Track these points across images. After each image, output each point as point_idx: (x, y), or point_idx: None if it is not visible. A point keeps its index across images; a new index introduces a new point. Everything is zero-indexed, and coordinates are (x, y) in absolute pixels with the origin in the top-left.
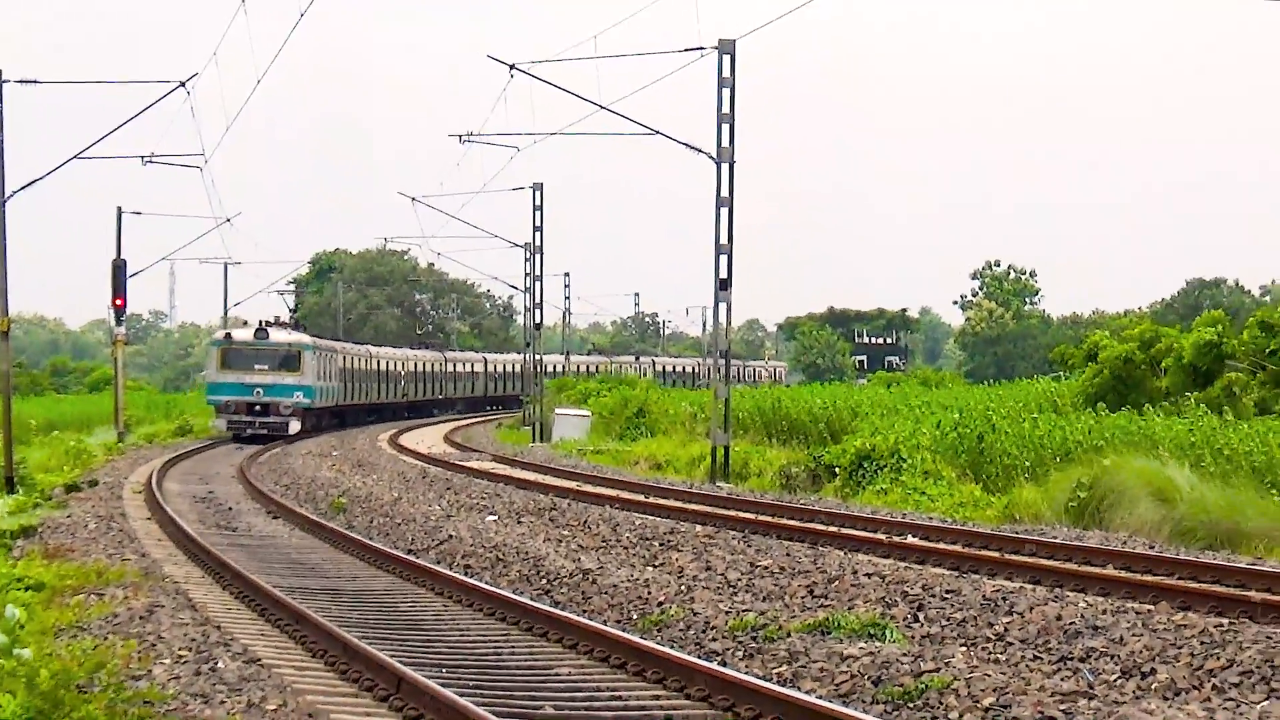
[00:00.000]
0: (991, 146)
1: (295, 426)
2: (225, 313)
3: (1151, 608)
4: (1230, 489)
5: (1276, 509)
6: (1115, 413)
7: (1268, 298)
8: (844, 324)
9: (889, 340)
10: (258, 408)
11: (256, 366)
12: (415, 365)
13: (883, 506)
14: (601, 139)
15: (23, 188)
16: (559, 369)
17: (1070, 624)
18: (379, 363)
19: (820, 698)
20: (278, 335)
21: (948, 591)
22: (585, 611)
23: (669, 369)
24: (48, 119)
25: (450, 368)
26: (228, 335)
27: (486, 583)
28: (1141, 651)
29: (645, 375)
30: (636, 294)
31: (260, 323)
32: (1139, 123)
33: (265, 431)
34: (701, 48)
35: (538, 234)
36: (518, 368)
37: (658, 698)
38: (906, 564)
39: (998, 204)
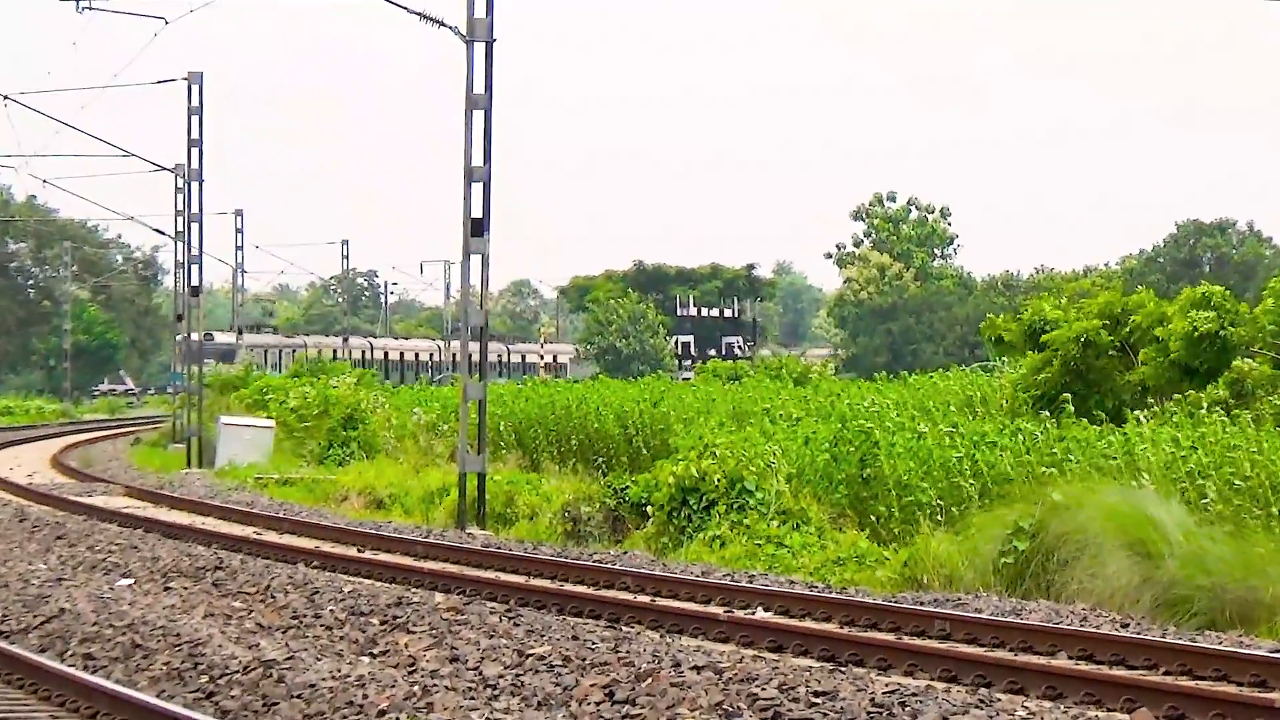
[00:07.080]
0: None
1: None
2: None
3: (1126, 717)
4: (1242, 538)
5: None
6: (1073, 422)
7: None
8: (659, 287)
9: (728, 313)
10: None
11: (205, 360)
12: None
13: (718, 565)
14: (295, 9)
15: None
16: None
17: None
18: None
19: None
20: (220, 337)
21: (818, 694)
22: None
23: (395, 356)
24: None
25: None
26: (186, 338)
27: (117, 681)
28: None
29: (358, 363)
30: (345, 243)
31: (208, 330)
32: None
33: None
34: None
35: (195, 150)
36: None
37: None
38: (755, 652)
39: (896, 131)
